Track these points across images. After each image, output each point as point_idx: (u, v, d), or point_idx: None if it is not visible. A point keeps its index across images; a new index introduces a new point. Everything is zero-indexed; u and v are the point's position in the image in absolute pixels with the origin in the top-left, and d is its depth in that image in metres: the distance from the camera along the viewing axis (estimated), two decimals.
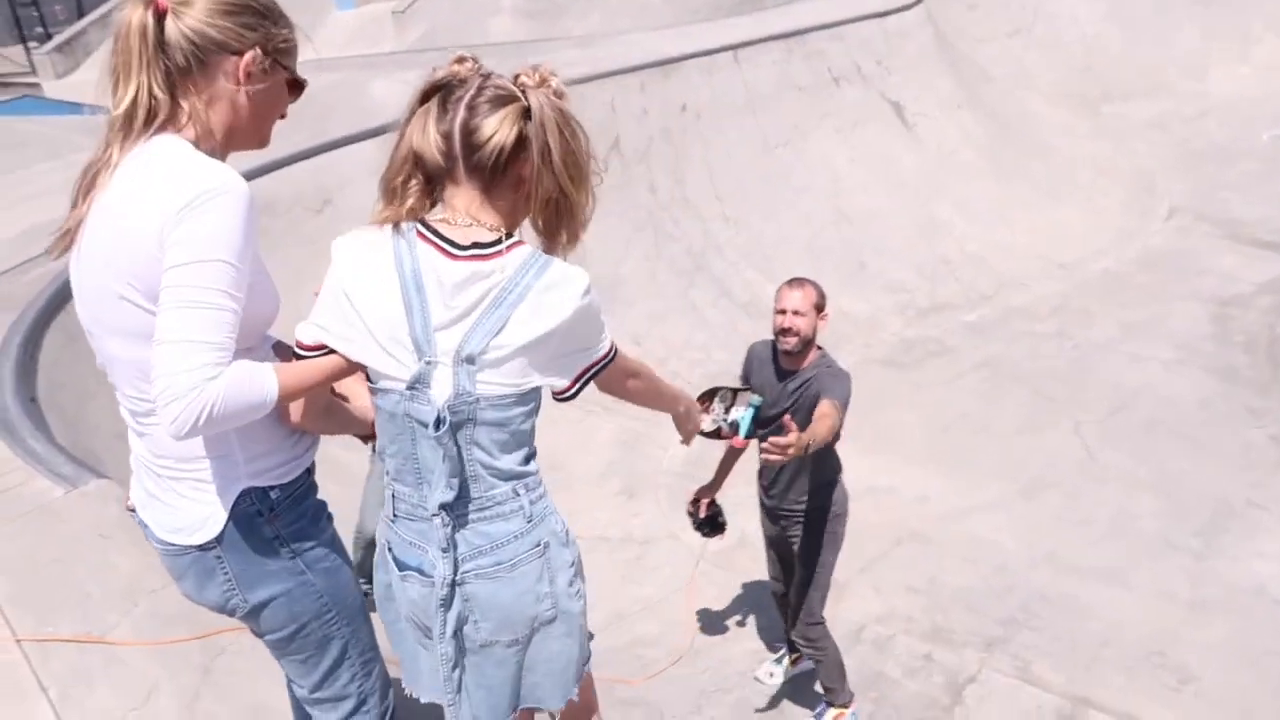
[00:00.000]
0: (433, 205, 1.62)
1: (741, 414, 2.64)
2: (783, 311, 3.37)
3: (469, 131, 1.52)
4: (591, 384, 1.71)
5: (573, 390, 1.67)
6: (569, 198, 1.59)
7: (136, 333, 1.54)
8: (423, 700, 1.85)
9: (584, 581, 1.81)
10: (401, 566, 1.73)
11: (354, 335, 1.58)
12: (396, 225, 1.58)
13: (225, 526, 1.67)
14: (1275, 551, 5.13)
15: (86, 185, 1.60)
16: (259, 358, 1.65)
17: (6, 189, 8.01)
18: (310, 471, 1.80)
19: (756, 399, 2.89)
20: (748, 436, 2.79)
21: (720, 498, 3.74)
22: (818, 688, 3.91)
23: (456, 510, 1.63)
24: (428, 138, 1.54)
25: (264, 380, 1.50)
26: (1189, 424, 6.50)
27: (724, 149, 9.17)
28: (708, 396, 3.29)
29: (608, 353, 1.69)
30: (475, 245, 1.55)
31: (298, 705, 2.08)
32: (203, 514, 1.68)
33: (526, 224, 1.66)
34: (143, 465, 1.73)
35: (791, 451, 2.73)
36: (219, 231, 1.47)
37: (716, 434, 2.66)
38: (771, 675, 4.13)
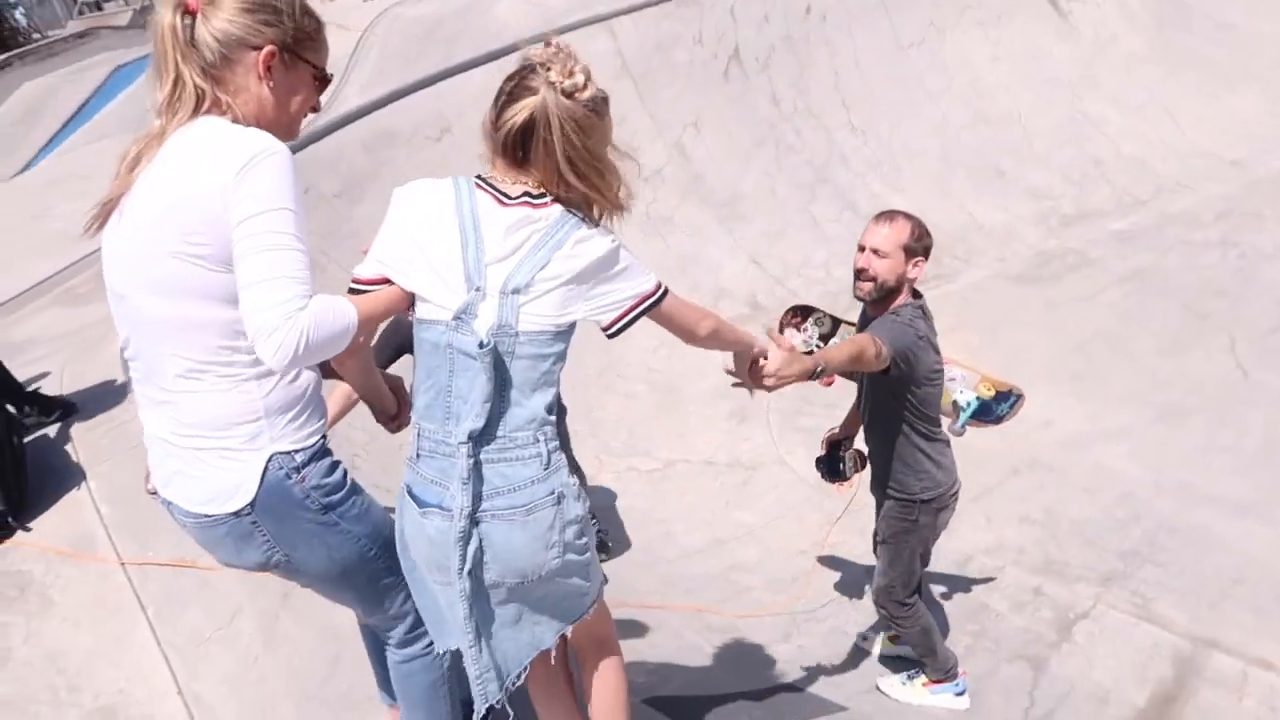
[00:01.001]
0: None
1: None
2: (861, 249, 2.89)
3: (497, 113, 1.77)
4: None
5: (618, 326, 1.82)
6: (581, 184, 1.77)
7: (185, 289, 1.67)
8: (451, 647, 1.99)
9: (593, 539, 1.95)
10: (421, 504, 1.84)
11: (412, 268, 1.77)
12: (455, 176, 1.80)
13: (258, 491, 1.78)
14: None
15: (131, 161, 1.73)
16: None
17: None
18: (325, 437, 1.90)
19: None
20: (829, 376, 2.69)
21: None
22: None
23: (481, 444, 1.76)
24: (508, 121, 1.75)
25: (345, 308, 1.65)
26: None
27: (851, 53, 8.73)
28: (802, 313, 3.20)
29: (654, 290, 1.84)
30: (525, 195, 1.77)
31: (364, 626, 2.27)
32: (235, 481, 1.78)
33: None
34: (163, 443, 1.83)
35: (770, 381, 2.22)
36: (278, 185, 1.63)
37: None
38: (865, 639, 3.94)
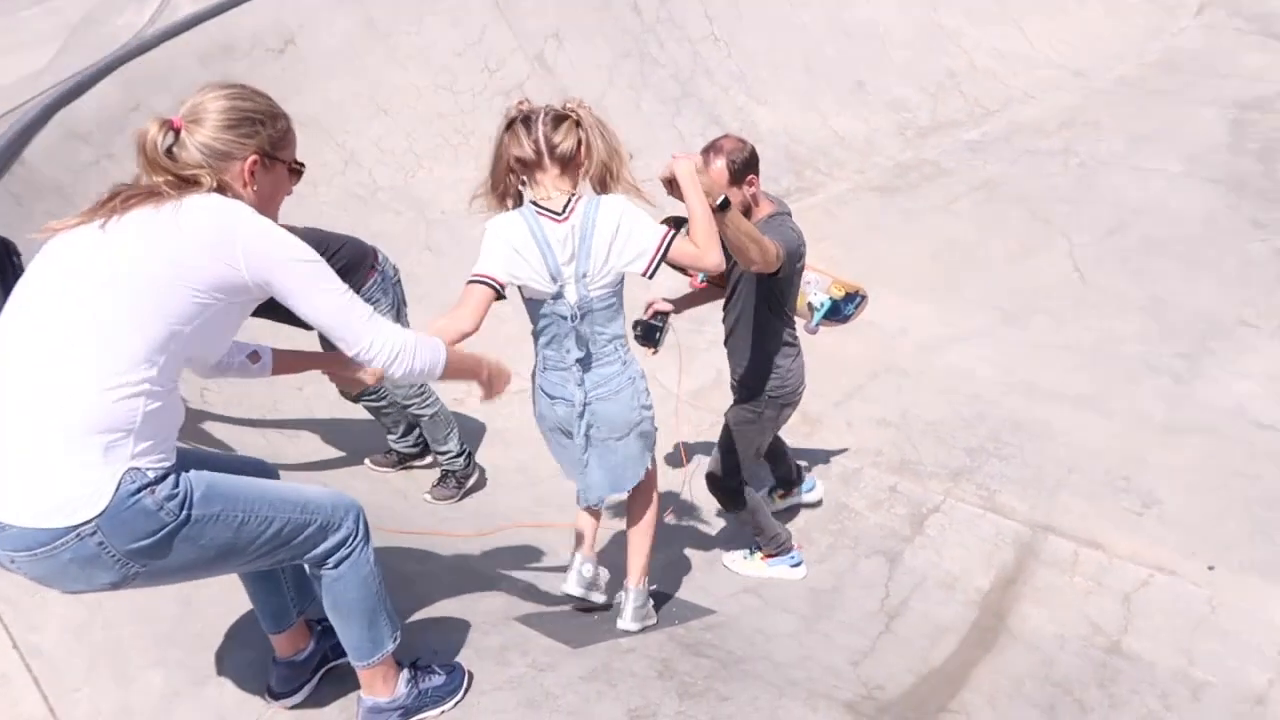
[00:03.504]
0: (519, 189, 2.72)
1: None
2: None
3: (550, 140, 2.60)
4: None
5: (651, 269, 2.67)
6: (611, 170, 2.63)
7: (156, 304, 1.81)
8: (567, 478, 3.13)
9: (651, 399, 2.94)
10: (552, 397, 2.87)
11: (517, 269, 2.66)
12: (520, 208, 2.69)
13: (109, 503, 1.76)
14: (1260, 370, 5.06)
15: (114, 207, 1.85)
16: (230, 362, 2.33)
17: None
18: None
19: None
20: (703, 281, 3.28)
21: (697, 336, 3.62)
22: None
23: (584, 362, 2.77)
24: (523, 147, 2.61)
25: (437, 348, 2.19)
26: (1188, 241, 6.30)
27: None
28: (675, 223, 3.31)
29: (665, 234, 2.67)
30: (565, 208, 2.62)
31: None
32: (83, 492, 1.75)
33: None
34: (16, 451, 1.78)
35: (683, 169, 2.71)
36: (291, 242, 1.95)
37: (681, 269, 3.13)
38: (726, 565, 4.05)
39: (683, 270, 3.10)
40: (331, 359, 2.61)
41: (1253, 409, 4.77)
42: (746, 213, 3.17)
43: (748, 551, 3.94)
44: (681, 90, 7.80)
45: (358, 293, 3.66)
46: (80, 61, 5.59)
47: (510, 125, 2.61)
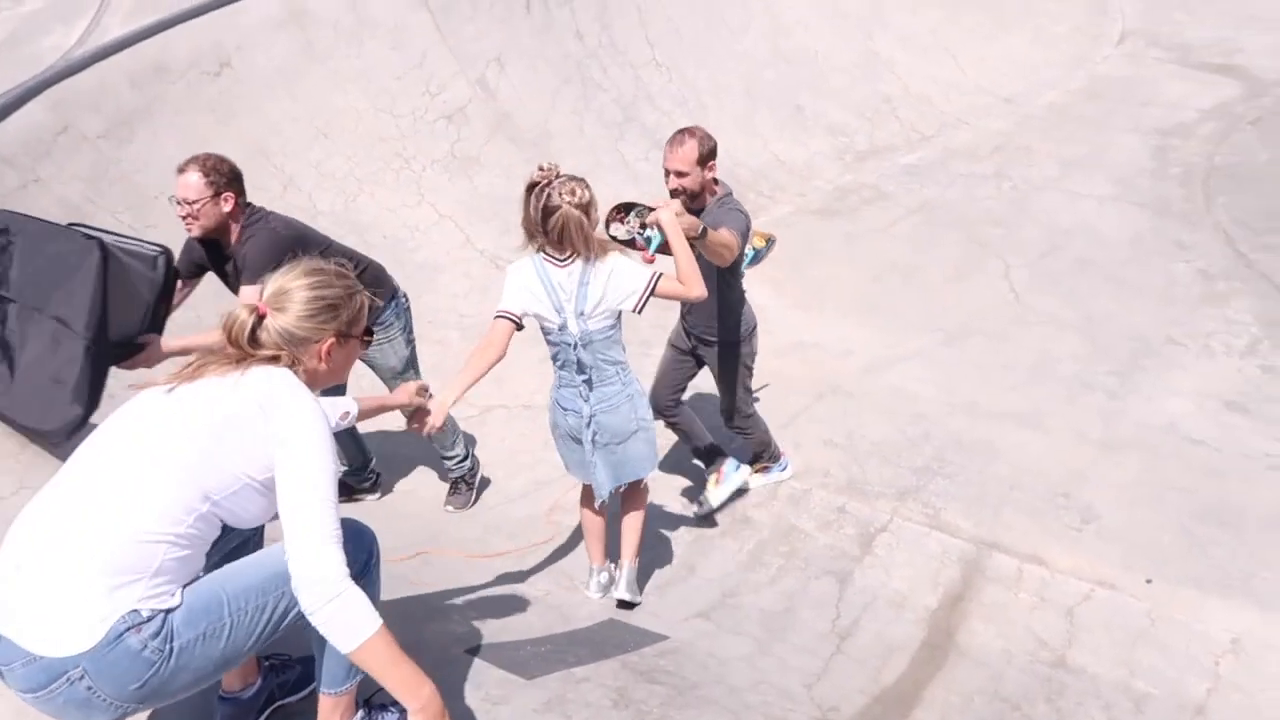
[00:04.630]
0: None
1: (653, 233, 3.34)
2: (667, 173, 3.74)
3: (543, 224, 3.13)
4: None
5: (640, 306, 3.23)
6: (585, 245, 3.13)
7: (208, 472, 1.91)
8: (575, 479, 3.70)
9: (650, 412, 3.58)
10: (564, 409, 3.44)
11: (532, 304, 3.23)
12: (534, 254, 3.22)
13: (99, 641, 1.76)
14: (1189, 387, 5.23)
15: (189, 374, 1.99)
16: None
17: None
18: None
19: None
20: (655, 252, 3.46)
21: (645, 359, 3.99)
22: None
23: (590, 381, 3.32)
24: (528, 216, 3.15)
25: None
26: (1117, 262, 6.50)
27: None
28: (624, 209, 3.79)
29: (653, 276, 3.22)
30: (569, 257, 3.16)
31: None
32: (81, 624, 1.76)
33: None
34: (19, 570, 1.82)
35: (665, 217, 3.23)
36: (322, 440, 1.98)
37: (631, 244, 3.47)
38: (701, 504, 4.38)
39: (632, 245, 3.47)
40: (397, 396, 3.00)
41: (1184, 425, 4.92)
42: (704, 191, 3.76)
43: (734, 465, 4.32)
44: (624, 115, 7.84)
45: (379, 311, 3.94)
46: (4, 83, 5.41)
47: (527, 190, 3.14)
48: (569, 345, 3.25)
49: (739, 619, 3.78)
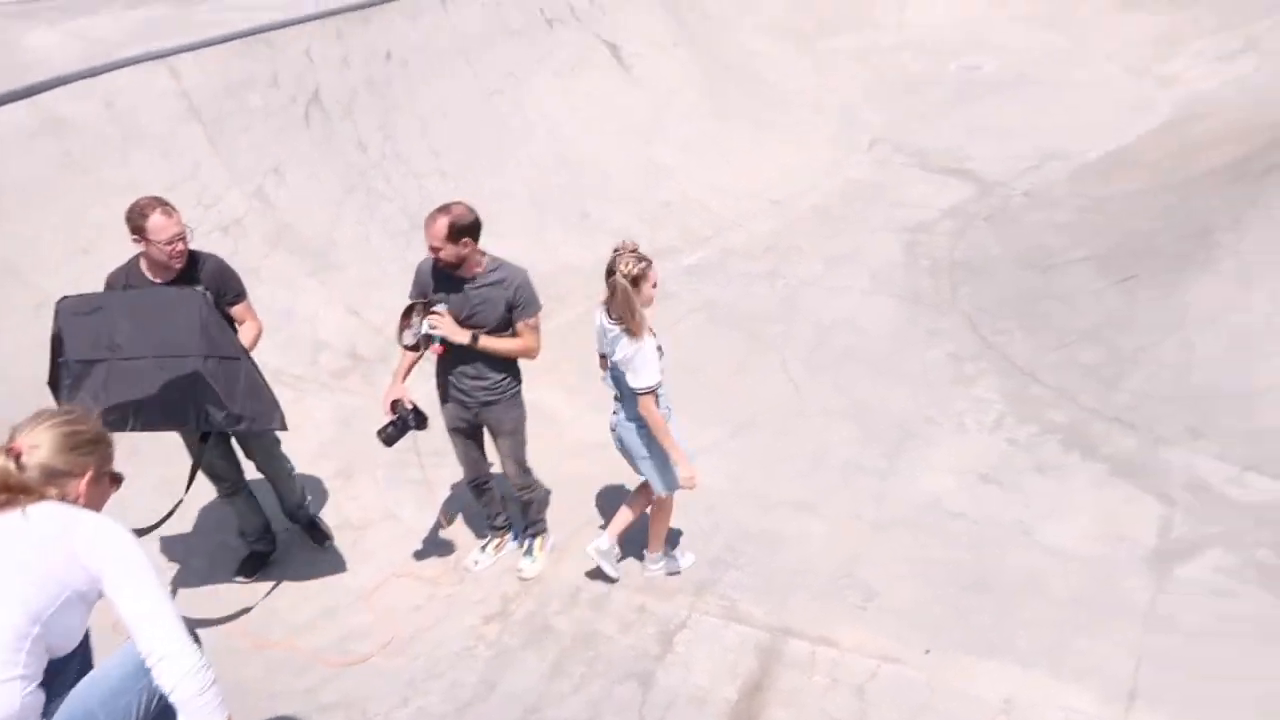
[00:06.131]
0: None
1: (436, 332, 3.96)
2: (431, 248, 4.05)
3: (607, 275, 4.04)
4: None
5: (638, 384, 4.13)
6: (626, 312, 4.03)
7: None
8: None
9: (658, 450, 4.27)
10: (615, 414, 4.37)
11: (598, 340, 4.27)
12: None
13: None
14: (947, 464, 5.71)
15: None
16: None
17: None
18: None
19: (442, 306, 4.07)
20: (442, 344, 3.95)
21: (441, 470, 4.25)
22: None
23: (619, 400, 4.30)
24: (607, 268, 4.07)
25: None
26: (879, 351, 7.06)
27: (436, 99, 8.84)
28: (406, 314, 4.15)
29: (640, 345, 4.06)
30: (616, 319, 4.09)
31: None
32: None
33: None
34: None
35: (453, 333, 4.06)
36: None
37: (416, 348, 4.03)
38: (477, 563, 4.82)
39: (429, 341, 4.05)
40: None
41: (945, 501, 5.35)
42: (461, 263, 4.08)
43: (527, 546, 4.84)
44: (410, 224, 7.83)
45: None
46: None
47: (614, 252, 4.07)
48: (614, 376, 4.26)
49: None
